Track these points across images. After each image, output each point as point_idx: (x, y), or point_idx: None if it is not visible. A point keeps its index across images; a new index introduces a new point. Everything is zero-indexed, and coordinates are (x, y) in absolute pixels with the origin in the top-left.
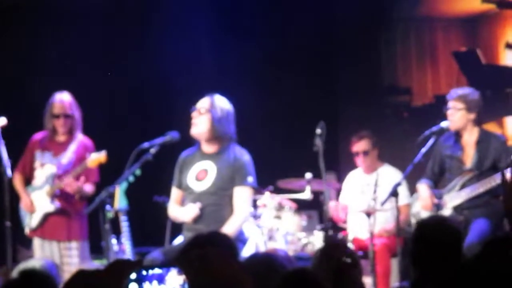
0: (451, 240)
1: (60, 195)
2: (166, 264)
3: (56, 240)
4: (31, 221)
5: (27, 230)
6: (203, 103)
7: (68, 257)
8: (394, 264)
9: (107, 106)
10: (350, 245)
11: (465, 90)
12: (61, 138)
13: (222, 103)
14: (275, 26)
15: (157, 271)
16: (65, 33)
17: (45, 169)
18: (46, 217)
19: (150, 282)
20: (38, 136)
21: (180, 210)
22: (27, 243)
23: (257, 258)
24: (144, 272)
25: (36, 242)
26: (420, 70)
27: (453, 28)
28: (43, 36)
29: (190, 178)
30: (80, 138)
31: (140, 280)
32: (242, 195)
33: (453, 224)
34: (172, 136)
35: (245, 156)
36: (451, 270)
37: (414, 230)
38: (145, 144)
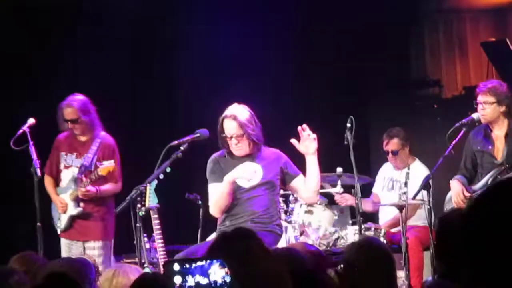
0: None
1: (83, 199)
2: (208, 257)
3: (81, 240)
4: (60, 223)
5: (58, 231)
6: (234, 129)
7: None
8: (427, 257)
9: (135, 104)
10: (383, 239)
11: (493, 83)
12: (82, 138)
13: (244, 115)
14: (300, 19)
15: (199, 263)
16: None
17: (69, 171)
18: (73, 219)
19: (193, 275)
20: (62, 136)
21: (234, 170)
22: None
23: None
24: (187, 265)
25: (63, 242)
26: (449, 62)
27: (482, 19)
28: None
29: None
30: (101, 136)
31: (183, 273)
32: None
33: None
34: (201, 133)
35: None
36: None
37: (437, 225)
38: (175, 142)
